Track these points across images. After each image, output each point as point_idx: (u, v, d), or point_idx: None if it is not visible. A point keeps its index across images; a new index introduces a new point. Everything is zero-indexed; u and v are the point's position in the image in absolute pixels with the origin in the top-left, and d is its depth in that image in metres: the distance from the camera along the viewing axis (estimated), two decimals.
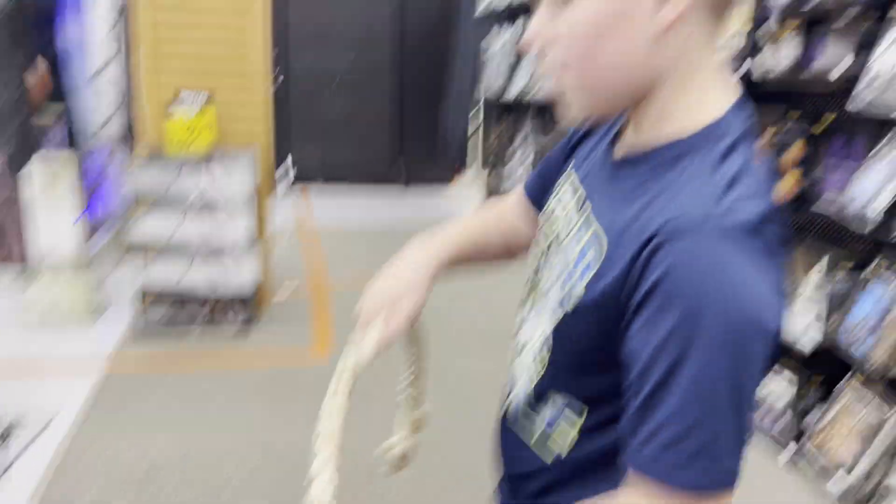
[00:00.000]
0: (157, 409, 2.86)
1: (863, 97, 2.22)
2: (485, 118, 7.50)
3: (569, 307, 0.72)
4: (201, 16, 3.70)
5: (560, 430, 0.78)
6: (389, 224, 6.32)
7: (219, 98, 3.70)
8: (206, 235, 3.52)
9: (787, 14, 2.60)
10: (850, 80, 2.27)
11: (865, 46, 2.28)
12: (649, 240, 0.63)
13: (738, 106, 0.70)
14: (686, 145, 0.68)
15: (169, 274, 3.54)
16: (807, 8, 2.47)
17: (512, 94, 5.51)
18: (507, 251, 1.04)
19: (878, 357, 2.20)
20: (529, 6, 5.69)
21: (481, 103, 7.55)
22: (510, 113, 6.35)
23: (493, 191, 6.63)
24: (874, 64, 2.20)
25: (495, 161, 6.53)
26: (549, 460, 0.80)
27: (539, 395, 0.80)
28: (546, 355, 0.78)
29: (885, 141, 2.23)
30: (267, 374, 3.25)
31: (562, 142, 0.94)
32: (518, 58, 5.70)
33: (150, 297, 3.54)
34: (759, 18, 2.71)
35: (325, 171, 8.22)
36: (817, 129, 2.58)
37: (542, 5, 0.70)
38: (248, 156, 3.60)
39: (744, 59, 2.76)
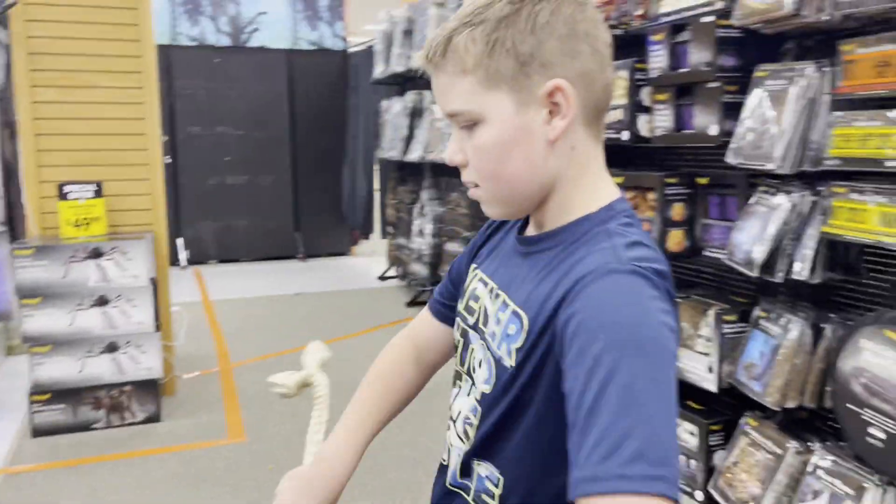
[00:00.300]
0: None
1: (738, 153, 2.44)
2: (383, 184, 7.59)
3: (500, 374, 0.81)
4: (84, 109, 3.64)
5: (485, 498, 0.84)
6: (289, 298, 6.24)
7: (109, 188, 3.62)
8: (105, 326, 3.38)
9: (657, 86, 2.85)
10: (726, 136, 2.50)
11: (732, 110, 2.52)
12: (565, 294, 0.73)
13: (620, 197, 0.84)
14: (588, 223, 0.80)
15: (67, 367, 3.35)
16: (675, 80, 2.72)
17: (412, 157, 5.64)
18: (417, 384, 1.12)
19: (771, 395, 2.37)
20: (424, 73, 5.90)
21: (378, 169, 7.67)
22: (409, 178, 6.48)
23: (395, 261, 6.70)
24: (741, 125, 2.44)
25: (395, 229, 6.61)
26: None
27: (465, 468, 0.87)
28: (471, 430, 0.86)
29: (755, 196, 2.46)
30: (182, 460, 3.11)
31: (466, 250, 1.03)
32: (413, 122, 5.87)
33: (48, 394, 3.33)
34: (634, 89, 2.95)
35: (220, 251, 8.06)
36: (698, 186, 2.81)
37: (454, 131, 0.81)
38: (144, 243, 3.51)
39: (629, 123, 2.98)
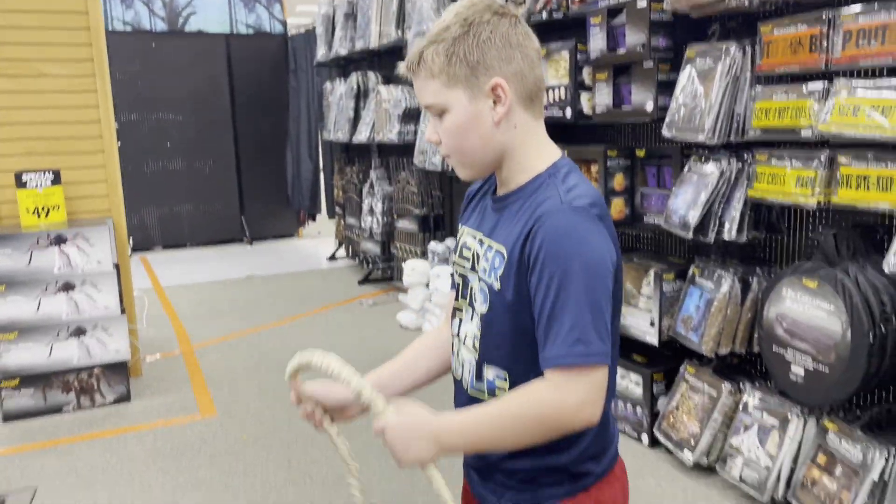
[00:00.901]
0: (46, 489, 2.76)
1: (671, 127, 2.69)
2: (328, 165, 7.66)
3: (492, 296, 1.08)
4: (37, 98, 3.66)
5: (498, 393, 1.12)
6: (240, 281, 6.31)
7: (66, 175, 3.66)
8: (71, 311, 3.44)
9: (596, 66, 3.07)
10: (661, 111, 2.74)
11: (666, 88, 2.76)
12: (529, 231, 1.03)
13: (562, 155, 1.14)
14: (540, 179, 1.10)
15: (35, 353, 3.41)
16: (612, 61, 2.95)
17: (360, 138, 5.76)
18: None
19: (706, 343, 2.64)
20: (371, 53, 6.00)
21: (322, 150, 7.72)
22: (356, 158, 6.60)
23: (345, 240, 6.82)
24: (674, 101, 2.69)
25: (343, 209, 6.72)
26: None
27: (478, 373, 1.14)
28: (478, 343, 1.13)
29: (688, 165, 2.71)
30: (157, 436, 3.22)
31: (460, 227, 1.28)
32: (358, 104, 5.97)
33: (16, 379, 3.38)
34: (574, 70, 3.17)
35: (165, 237, 8.01)
36: (637, 157, 3.06)
37: (430, 119, 1.11)
38: (105, 229, 3.57)
39: (571, 101, 3.20)
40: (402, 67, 1.11)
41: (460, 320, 1.18)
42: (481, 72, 1.04)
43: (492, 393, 1.12)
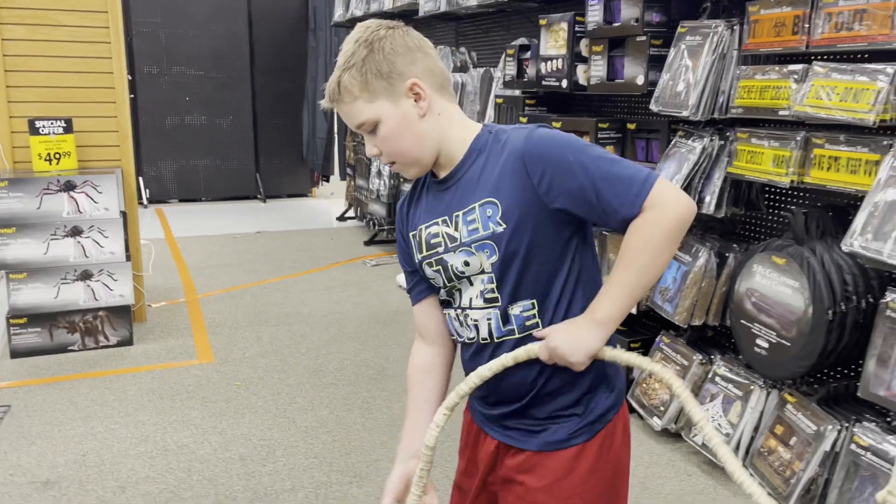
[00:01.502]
0: (46, 420, 2.93)
1: (659, 101, 2.74)
2: (342, 126, 7.74)
3: (498, 240, 1.17)
4: (52, 47, 3.76)
5: (529, 322, 1.21)
6: (251, 236, 6.45)
7: (78, 124, 3.78)
8: (78, 255, 3.59)
9: (593, 38, 3.11)
10: (651, 85, 2.79)
11: (657, 62, 2.80)
12: (519, 159, 1.15)
13: (483, 128, 1.25)
14: (480, 140, 1.22)
15: (43, 293, 3.57)
16: (608, 33, 2.99)
17: None
18: (445, 372, 1.37)
19: (680, 314, 2.72)
20: (386, 16, 6.04)
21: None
22: None
23: (354, 201, 6.92)
24: (664, 76, 2.73)
25: (354, 171, 6.81)
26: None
27: (504, 318, 1.22)
28: (496, 291, 1.20)
29: (674, 140, 2.77)
30: (155, 378, 3.37)
31: (399, 246, 1.35)
32: None
33: (24, 318, 3.54)
34: (572, 42, 3.21)
35: (180, 190, 8.17)
36: (627, 129, 3.11)
37: (366, 137, 1.20)
38: (114, 177, 3.69)
39: (568, 72, 3.25)
40: (324, 103, 1.21)
41: (459, 295, 1.25)
42: (395, 78, 1.16)
43: (522, 328, 1.21)
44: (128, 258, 3.72)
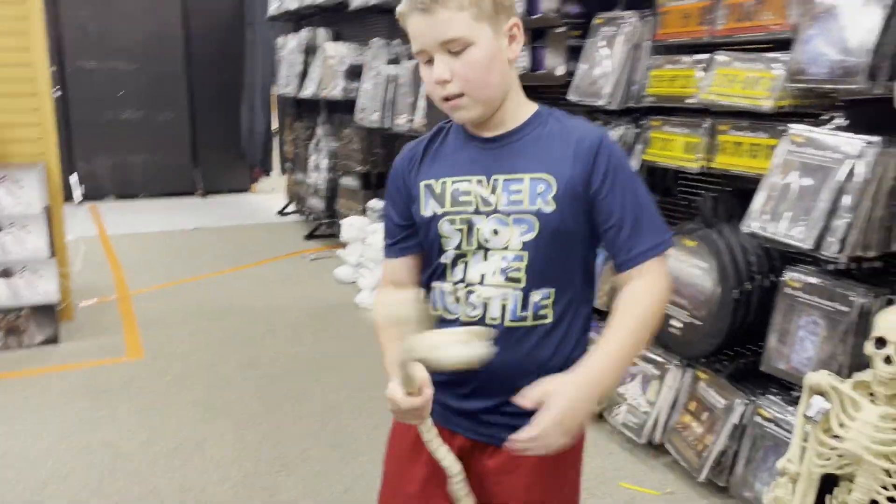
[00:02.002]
0: None
1: (577, 91, 2.81)
2: (281, 119, 7.66)
3: (543, 220, 1.15)
4: None
5: (542, 311, 1.18)
6: (188, 233, 6.35)
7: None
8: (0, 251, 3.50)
9: None
10: (570, 76, 2.86)
11: (576, 53, 2.87)
12: (592, 149, 1.15)
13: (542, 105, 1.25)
14: (541, 115, 1.21)
15: None
16: (529, 24, 3.05)
17: (306, 93, 5.81)
18: None
19: (600, 298, 2.80)
20: (320, 9, 6.01)
21: (276, 103, 7.71)
22: (305, 114, 6.62)
23: (294, 196, 6.88)
24: (581, 66, 2.80)
25: (293, 164, 6.77)
26: (545, 329, 1.19)
27: (524, 302, 1.17)
28: (522, 272, 1.16)
29: None
30: (81, 376, 3.31)
31: (393, 189, 1.29)
32: (307, 59, 6.00)
33: None
34: None
35: (116, 187, 7.99)
36: None
37: (439, 55, 1.12)
38: (35, 172, 3.61)
39: None
40: (410, 4, 1.10)
41: (465, 268, 1.20)
42: (504, 11, 1.13)
43: (535, 316, 1.18)
44: (52, 255, 3.64)
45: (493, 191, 1.17)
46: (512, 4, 1.16)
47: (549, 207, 1.15)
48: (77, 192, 7.47)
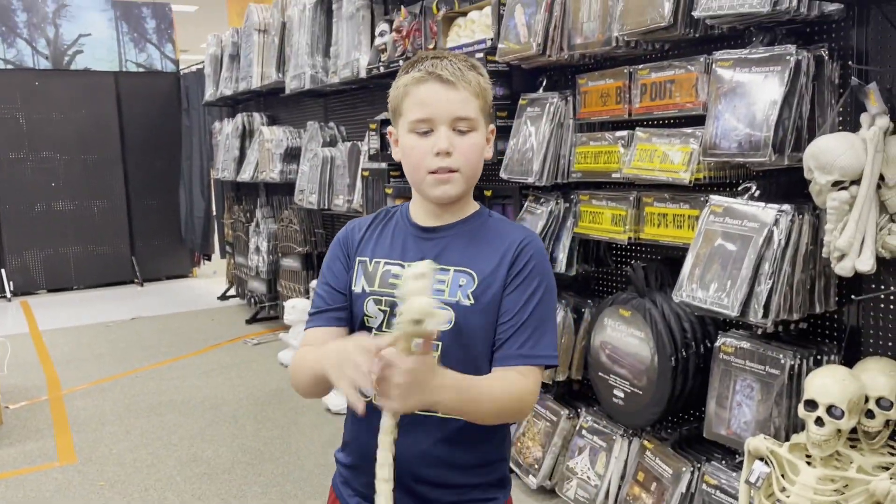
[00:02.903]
0: None
1: (507, 169, 2.87)
2: (220, 203, 7.60)
3: (460, 312, 1.18)
4: None
5: None
6: (125, 323, 6.17)
7: None
8: None
9: None
10: (500, 155, 2.92)
11: (504, 133, 2.95)
12: (513, 247, 1.21)
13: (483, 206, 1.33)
14: (482, 215, 1.28)
15: None
16: None
17: (244, 176, 5.80)
18: None
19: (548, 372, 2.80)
20: (255, 94, 6.07)
21: (213, 188, 7.66)
22: (244, 197, 6.60)
23: (235, 280, 6.78)
24: (510, 145, 2.88)
25: (233, 248, 6.69)
26: (457, 424, 1.19)
27: None
28: (437, 354, 1.16)
29: (525, 205, 2.90)
30: (9, 487, 3.11)
31: (333, 259, 1.31)
32: (244, 143, 6.02)
33: None
34: None
35: (49, 279, 7.74)
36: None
37: (444, 129, 1.19)
38: None
39: None
40: (425, 75, 1.18)
41: None
42: (489, 113, 1.25)
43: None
44: None
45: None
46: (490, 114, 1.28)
47: (467, 301, 1.19)
48: (6, 287, 7.22)
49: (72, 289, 7.85)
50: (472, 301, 1.18)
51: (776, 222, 1.93)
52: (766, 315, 1.92)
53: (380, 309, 1.22)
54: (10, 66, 7.52)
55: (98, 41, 7.93)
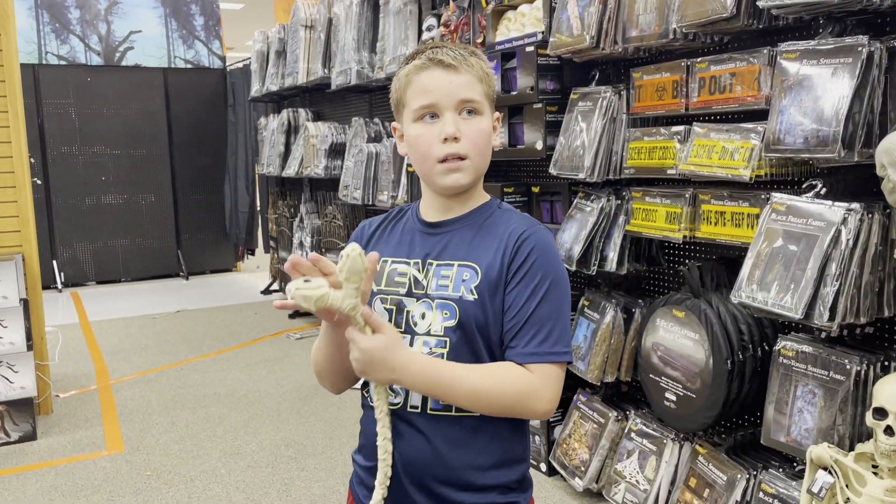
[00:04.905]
0: None
1: (557, 165, 2.82)
2: (264, 199, 7.68)
3: (463, 307, 1.14)
4: None
5: None
6: (171, 316, 6.26)
7: None
8: None
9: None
10: (550, 150, 2.87)
11: (553, 128, 2.90)
12: (514, 239, 1.15)
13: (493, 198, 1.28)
14: (489, 207, 1.24)
15: None
16: (506, 102, 3.08)
17: (289, 172, 5.83)
18: None
19: (592, 372, 2.74)
20: (301, 90, 6.10)
21: (257, 183, 7.74)
22: (288, 193, 6.64)
23: (278, 274, 6.83)
24: (560, 140, 2.82)
25: (277, 243, 6.75)
26: (471, 422, 1.16)
27: None
28: (444, 357, 1.14)
29: (574, 201, 2.84)
30: (59, 474, 3.17)
31: None
32: (289, 139, 6.05)
33: None
34: None
35: (98, 272, 7.91)
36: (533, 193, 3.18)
37: (450, 114, 1.16)
38: (12, 264, 3.55)
39: None
40: (447, 56, 1.15)
41: None
42: (493, 104, 1.22)
43: (459, 408, 1.14)
44: (29, 348, 3.55)
45: (426, 275, 1.18)
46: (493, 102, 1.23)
47: (471, 296, 1.15)
48: (58, 280, 7.39)
49: (119, 281, 8.00)
50: (476, 296, 1.14)
51: (844, 221, 1.84)
52: (832, 318, 1.83)
53: (385, 308, 1.19)
54: (63, 62, 7.69)
55: (148, 38, 8.07)
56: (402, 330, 1.17)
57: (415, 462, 1.13)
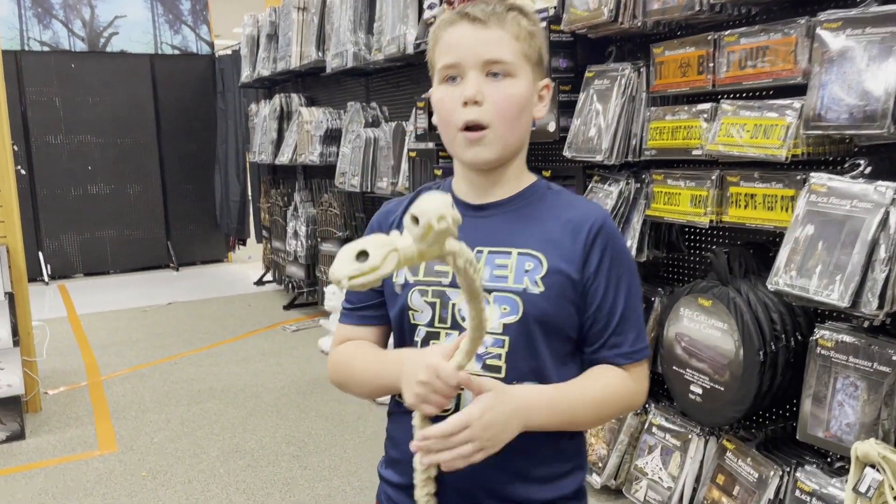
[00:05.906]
0: None
1: (572, 147, 2.68)
2: (255, 188, 7.51)
3: (528, 300, 1.01)
4: None
5: None
6: (161, 308, 6.10)
7: None
8: None
9: None
10: (564, 132, 2.73)
11: (567, 108, 2.76)
12: (591, 231, 1.03)
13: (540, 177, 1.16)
14: (538, 188, 1.10)
15: None
16: None
17: (282, 160, 5.67)
18: None
19: None
20: (294, 75, 5.93)
21: (248, 171, 7.57)
22: (281, 181, 6.48)
23: (271, 265, 6.67)
24: (575, 121, 2.68)
25: (270, 232, 6.58)
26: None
27: None
28: (503, 358, 1.01)
29: (590, 185, 2.71)
30: (49, 475, 3.02)
31: None
32: (281, 125, 5.89)
33: None
34: None
35: (86, 264, 7.72)
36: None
37: (474, 73, 1.01)
38: None
39: None
40: (477, 9, 1.01)
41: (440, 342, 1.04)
42: (541, 65, 1.07)
43: None
44: (16, 343, 3.39)
45: (484, 261, 1.04)
46: (547, 67, 1.10)
47: (537, 289, 1.01)
48: (44, 272, 7.20)
49: (108, 273, 7.81)
50: (543, 288, 1.01)
51: (893, 202, 1.72)
52: (880, 306, 1.71)
53: (426, 301, 1.05)
54: (46, 49, 7.46)
55: (133, 23, 7.85)
56: (449, 326, 1.03)
57: (464, 475, 0.97)
